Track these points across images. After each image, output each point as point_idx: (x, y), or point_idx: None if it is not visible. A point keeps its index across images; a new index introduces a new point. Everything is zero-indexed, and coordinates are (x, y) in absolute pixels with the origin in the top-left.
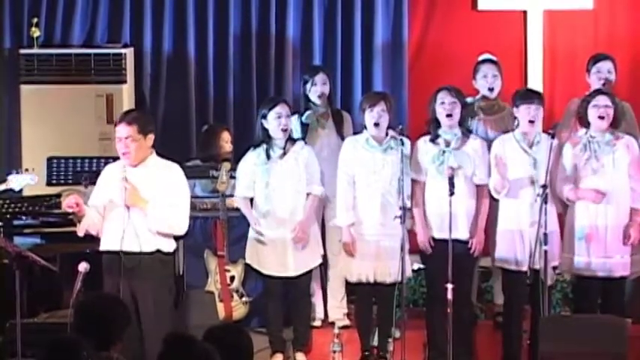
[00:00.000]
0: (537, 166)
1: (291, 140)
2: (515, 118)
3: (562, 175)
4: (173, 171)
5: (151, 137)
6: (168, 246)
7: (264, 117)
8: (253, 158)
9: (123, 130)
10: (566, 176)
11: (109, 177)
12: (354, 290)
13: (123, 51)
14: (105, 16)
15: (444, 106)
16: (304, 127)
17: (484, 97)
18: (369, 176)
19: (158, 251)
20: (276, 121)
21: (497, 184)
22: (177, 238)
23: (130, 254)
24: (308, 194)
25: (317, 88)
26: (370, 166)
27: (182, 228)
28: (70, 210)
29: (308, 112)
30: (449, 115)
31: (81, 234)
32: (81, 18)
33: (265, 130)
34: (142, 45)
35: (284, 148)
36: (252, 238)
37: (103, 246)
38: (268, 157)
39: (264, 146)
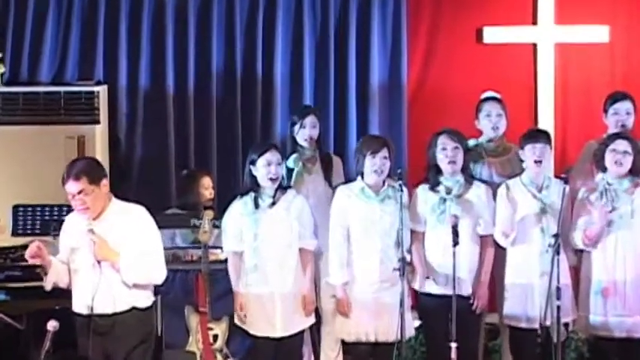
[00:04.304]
0: (547, 212)
1: (281, 189)
2: (521, 161)
3: (575, 224)
4: (138, 214)
5: (105, 183)
6: (146, 300)
7: (253, 163)
8: (239, 208)
9: (73, 187)
10: (579, 225)
11: (72, 228)
12: (350, 349)
13: (96, 89)
14: (76, 51)
15: (446, 152)
16: (289, 171)
17: (488, 139)
18: (368, 229)
19: (134, 308)
20: (265, 168)
21: (506, 226)
22: (155, 292)
23: (103, 316)
24: (300, 249)
25: (305, 132)
26: (367, 218)
27: (161, 275)
28: (34, 261)
29: (294, 156)
30: (451, 162)
31: (48, 288)
32: (50, 53)
33: (253, 177)
34: (116, 82)
35: (274, 197)
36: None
37: (74, 307)
38: (257, 206)
39: (252, 194)
